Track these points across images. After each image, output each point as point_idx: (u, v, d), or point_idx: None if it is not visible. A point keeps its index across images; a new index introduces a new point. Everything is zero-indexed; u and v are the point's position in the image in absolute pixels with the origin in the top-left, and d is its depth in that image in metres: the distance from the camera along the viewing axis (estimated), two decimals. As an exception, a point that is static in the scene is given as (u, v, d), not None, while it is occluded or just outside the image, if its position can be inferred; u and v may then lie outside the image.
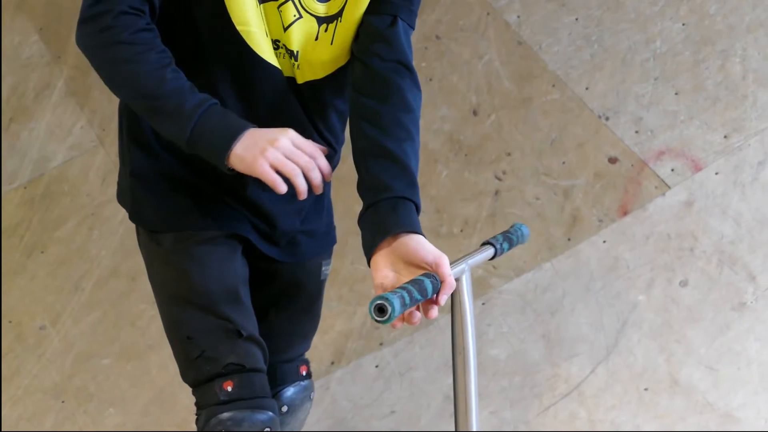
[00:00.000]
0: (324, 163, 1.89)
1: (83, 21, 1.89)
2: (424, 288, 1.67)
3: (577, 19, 3.53)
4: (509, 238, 1.98)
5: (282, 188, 1.84)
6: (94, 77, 3.88)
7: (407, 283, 1.66)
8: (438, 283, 1.71)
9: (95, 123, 3.80)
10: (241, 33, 1.91)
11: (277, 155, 1.83)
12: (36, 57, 3.94)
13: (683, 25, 3.43)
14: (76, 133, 3.82)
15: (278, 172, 1.84)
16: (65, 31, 3.94)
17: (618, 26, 3.49)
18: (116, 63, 1.86)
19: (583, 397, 3.11)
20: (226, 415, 1.97)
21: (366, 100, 1.93)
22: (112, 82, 1.90)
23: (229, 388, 1.98)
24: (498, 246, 1.95)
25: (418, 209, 1.83)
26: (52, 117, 3.85)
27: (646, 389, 3.09)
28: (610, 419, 3.07)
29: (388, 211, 1.80)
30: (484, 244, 1.95)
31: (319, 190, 1.90)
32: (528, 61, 3.53)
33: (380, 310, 1.58)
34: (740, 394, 3.02)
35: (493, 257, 1.95)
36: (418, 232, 1.79)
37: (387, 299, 1.57)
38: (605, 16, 3.51)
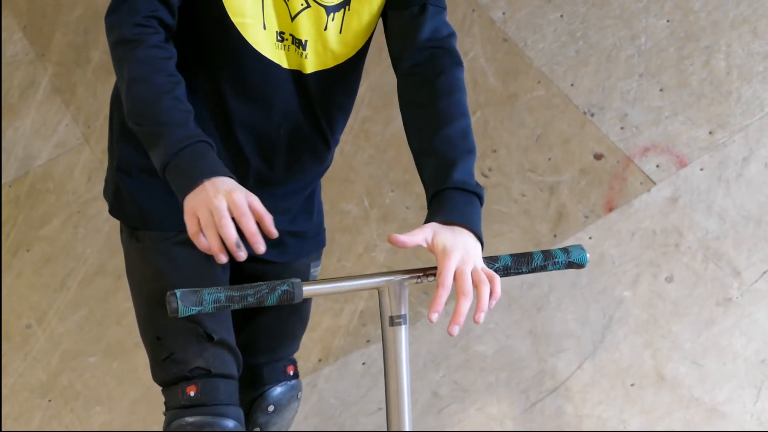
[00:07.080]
0: (259, 222, 1.76)
1: (106, 29, 1.88)
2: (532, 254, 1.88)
3: (562, 16, 3.54)
4: None
5: (201, 245, 1.73)
6: (79, 74, 3.90)
7: (515, 255, 1.86)
8: None
9: (80, 120, 3.78)
10: (237, 25, 1.88)
11: (209, 221, 1.70)
12: (20, 55, 3.92)
13: (668, 21, 3.44)
14: (61, 130, 3.80)
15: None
16: (49, 28, 3.93)
17: (603, 22, 3.49)
18: (124, 81, 1.83)
19: (570, 392, 3.12)
20: (187, 420, 1.95)
21: (411, 110, 1.93)
22: (123, 96, 1.86)
23: (192, 393, 1.96)
24: None
25: (472, 191, 1.84)
26: (36, 115, 3.84)
27: (632, 384, 3.10)
28: (596, 414, 3.08)
29: (436, 205, 1.83)
30: None
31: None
32: (513, 58, 3.53)
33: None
34: (726, 388, 3.04)
35: None
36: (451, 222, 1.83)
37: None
38: (590, 12, 3.52)
